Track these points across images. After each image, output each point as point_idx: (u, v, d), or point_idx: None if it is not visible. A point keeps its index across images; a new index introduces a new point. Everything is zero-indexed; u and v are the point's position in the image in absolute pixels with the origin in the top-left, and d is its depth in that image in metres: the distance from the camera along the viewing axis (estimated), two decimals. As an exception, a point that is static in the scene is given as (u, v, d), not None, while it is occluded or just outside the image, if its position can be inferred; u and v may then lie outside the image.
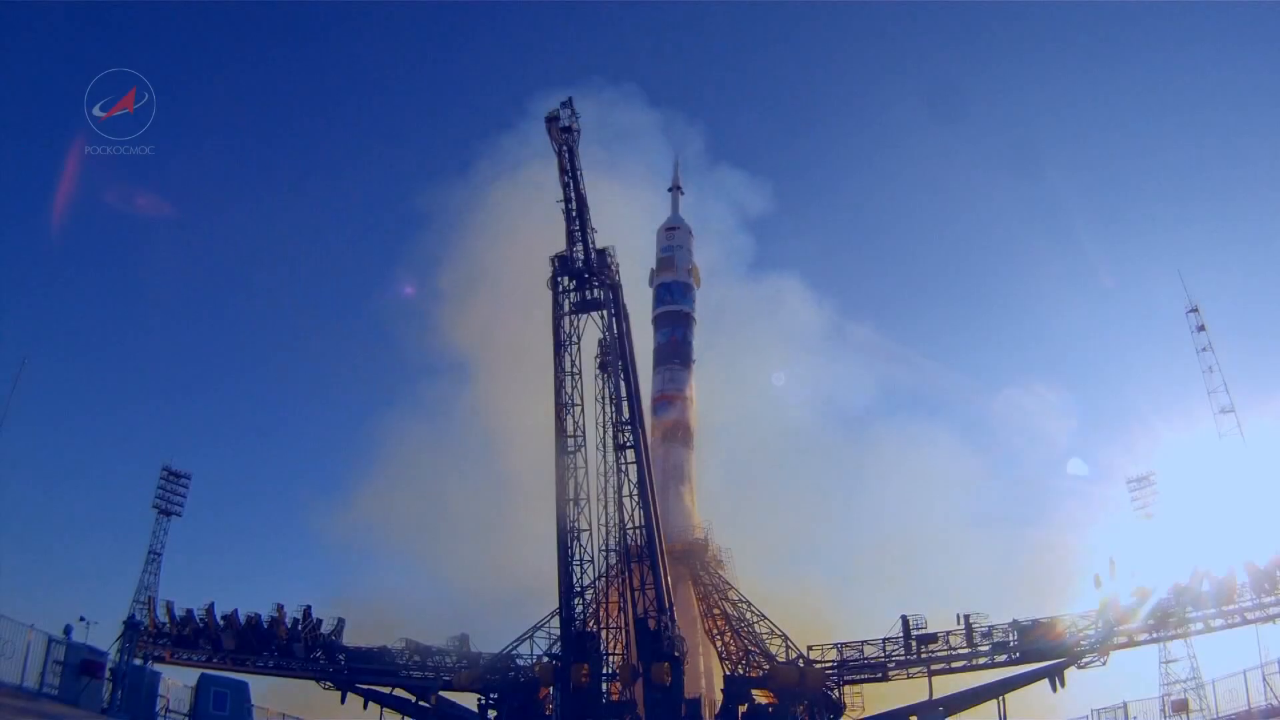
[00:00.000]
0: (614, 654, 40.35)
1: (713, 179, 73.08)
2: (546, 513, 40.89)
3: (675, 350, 50.77)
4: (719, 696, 42.37)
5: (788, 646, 41.21)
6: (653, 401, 50.24)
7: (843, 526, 62.05)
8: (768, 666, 40.29)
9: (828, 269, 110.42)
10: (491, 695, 40.57)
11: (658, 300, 52.48)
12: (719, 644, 43.54)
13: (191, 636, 41.95)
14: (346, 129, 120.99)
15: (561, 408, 39.20)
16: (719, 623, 43.97)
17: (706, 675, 46.57)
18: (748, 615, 43.48)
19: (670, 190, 55.85)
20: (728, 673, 41.59)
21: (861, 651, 39.74)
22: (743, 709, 39.35)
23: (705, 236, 58.70)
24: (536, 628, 42.05)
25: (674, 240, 53.24)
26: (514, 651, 41.76)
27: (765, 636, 42.17)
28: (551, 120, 37.35)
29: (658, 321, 52.22)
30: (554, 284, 40.03)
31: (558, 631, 40.64)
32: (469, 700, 41.39)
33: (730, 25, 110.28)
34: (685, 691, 38.16)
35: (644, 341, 50.72)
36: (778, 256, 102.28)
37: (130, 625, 33.04)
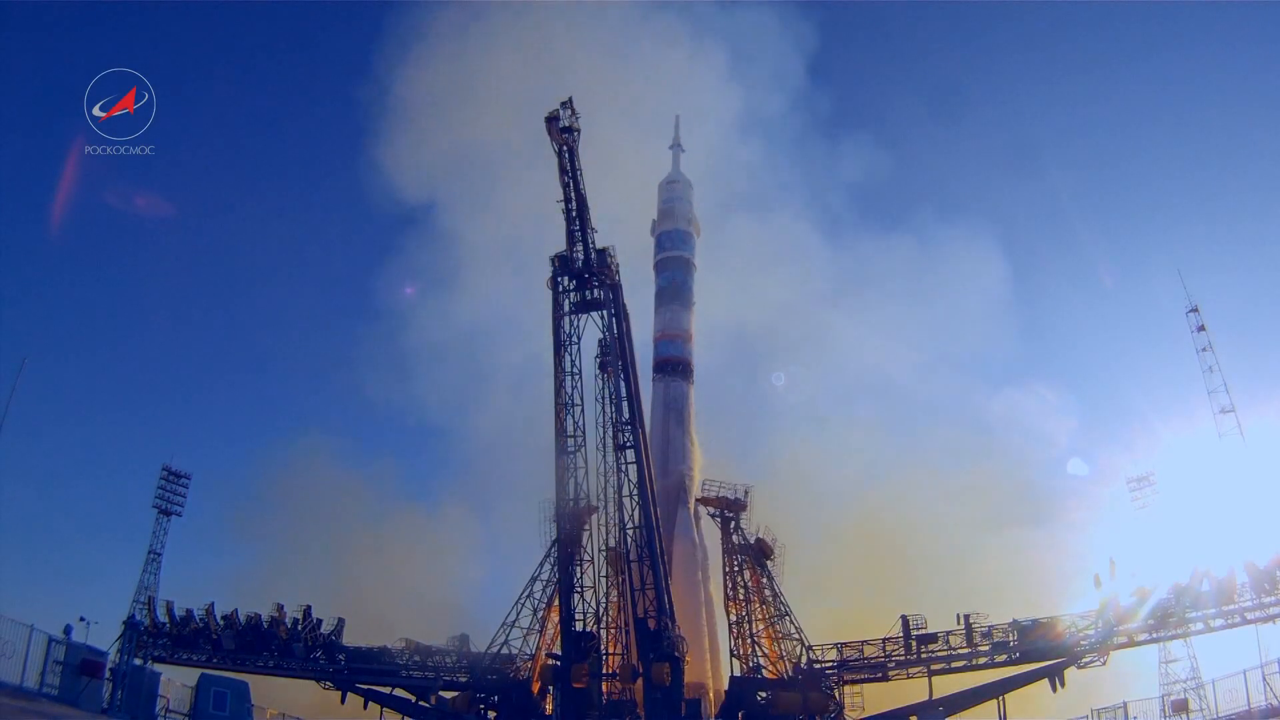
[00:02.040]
0: (614, 654, 40.37)
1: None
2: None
3: (676, 293, 52.68)
4: (723, 681, 42.05)
5: (806, 650, 39.94)
6: (655, 340, 52.09)
7: (841, 525, 61.96)
8: (775, 674, 39.48)
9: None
10: (491, 695, 40.55)
11: (659, 247, 54.31)
12: (735, 632, 41.07)
13: (191, 636, 42.04)
14: (349, 128, 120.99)
15: (561, 408, 39.23)
16: (741, 606, 41.20)
17: (713, 653, 45.90)
18: (780, 609, 41.38)
19: (670, 148, 57.57)
20: (735, 673, 41.04)
21: (861, 651, 39.71)
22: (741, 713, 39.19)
23: (708, 229, 59.37)
24: (510, 625, 41.64)
25: (675, 193, 55.24)
26: (508, 651, 41.51)
27: (792, 633, 40.81)
28: (551, 120, 37.37)
29: (659, 267, 53.88)
30: (554, 284, 40.07)
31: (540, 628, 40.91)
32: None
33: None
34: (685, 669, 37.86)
35: (645, 296, 51.88)
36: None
37: (130, 625, 33.16)
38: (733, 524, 42.65)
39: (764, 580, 41.72)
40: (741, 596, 41.33)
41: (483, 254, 78.22)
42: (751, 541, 42.10)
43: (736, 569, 41.92)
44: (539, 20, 77.38)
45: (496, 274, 77.97)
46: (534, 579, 42.17)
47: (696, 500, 44.14)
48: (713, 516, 43.40)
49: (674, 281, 52.55)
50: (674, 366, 51.13)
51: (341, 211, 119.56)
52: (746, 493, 43.13)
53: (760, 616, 41.04)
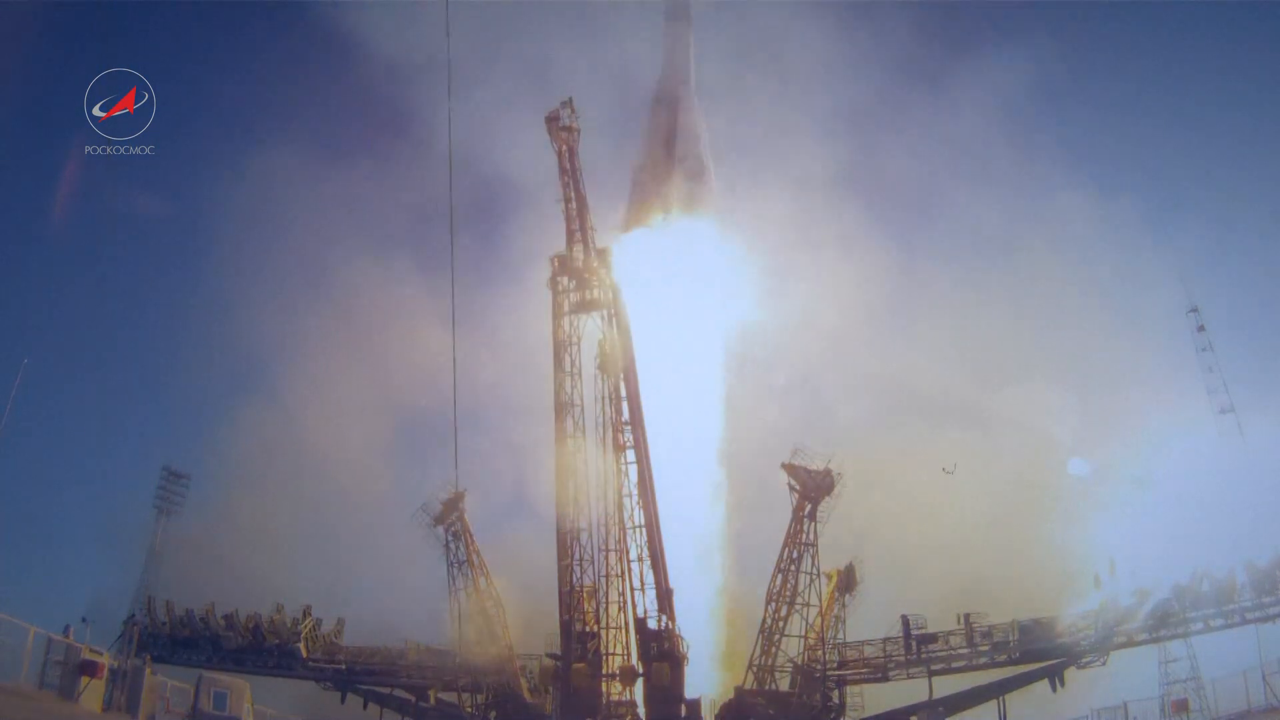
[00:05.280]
0: (614, 654, 40.32)
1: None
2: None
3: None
4: None
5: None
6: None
7: (840, 525, 61.56)
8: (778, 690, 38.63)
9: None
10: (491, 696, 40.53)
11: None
12: (766, 629, 38.85)
13: (191, 636, 42.04)
14: (350, 126, 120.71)
15: (561, 408, 39.25)
16: (786, 604, 38.47)
17: None
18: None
19: None
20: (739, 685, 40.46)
21: (861, 652, 39.73)
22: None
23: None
24: None
25: None
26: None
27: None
28: (551, 120, 37.46)
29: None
30: (554, 284, 40.10)
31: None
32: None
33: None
34: None
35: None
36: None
37: (130, 625, 33.16)
38: (809, 508, 38.83)
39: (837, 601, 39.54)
40: (789, 596, 38.57)
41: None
42: (841, 567, 40.00)
43: (794, 562, 38.56)
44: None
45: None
46: None
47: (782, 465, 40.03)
48: (791, 488, 39.29)
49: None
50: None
51: (341, 211, 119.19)
52: (838, 472, 38.67)
53: (813, 629, 38.58)
